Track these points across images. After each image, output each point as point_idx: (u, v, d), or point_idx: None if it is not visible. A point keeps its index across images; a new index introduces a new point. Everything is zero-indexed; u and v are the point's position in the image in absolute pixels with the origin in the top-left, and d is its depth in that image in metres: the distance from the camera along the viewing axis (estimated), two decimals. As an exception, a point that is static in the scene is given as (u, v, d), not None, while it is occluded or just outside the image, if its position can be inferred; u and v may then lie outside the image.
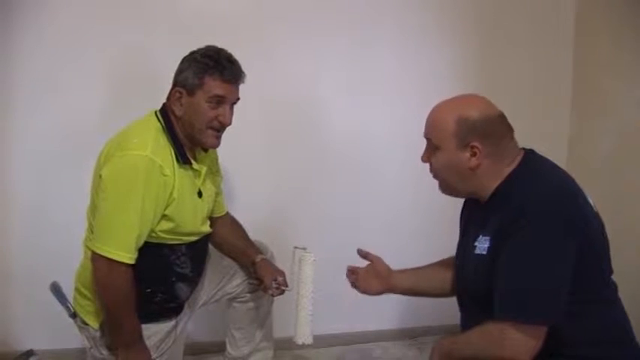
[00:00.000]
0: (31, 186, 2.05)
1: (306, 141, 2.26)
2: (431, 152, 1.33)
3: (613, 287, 1.30)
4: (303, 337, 1.57)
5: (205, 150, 1.63)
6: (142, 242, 1.47)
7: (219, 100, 1.52)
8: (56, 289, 1.61)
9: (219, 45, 1.57)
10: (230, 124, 1.56)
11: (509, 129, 1.30)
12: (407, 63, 2.32)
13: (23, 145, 2.03)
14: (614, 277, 1.30)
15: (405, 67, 2.32)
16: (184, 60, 1.55)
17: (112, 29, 2.03)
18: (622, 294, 1.30)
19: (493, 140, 1.26)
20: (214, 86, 1.51)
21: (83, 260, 1.59)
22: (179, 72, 1.55)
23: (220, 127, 1.55)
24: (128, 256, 1.43)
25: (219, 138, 1.58)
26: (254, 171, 2.21)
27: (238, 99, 1.59)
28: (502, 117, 1.30)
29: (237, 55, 1.57)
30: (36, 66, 2.00)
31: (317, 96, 2.25)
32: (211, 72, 1.51)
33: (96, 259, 1.44)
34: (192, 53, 1.55)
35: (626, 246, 1.90)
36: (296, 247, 1.63)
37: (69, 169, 2.02)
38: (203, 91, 1.51)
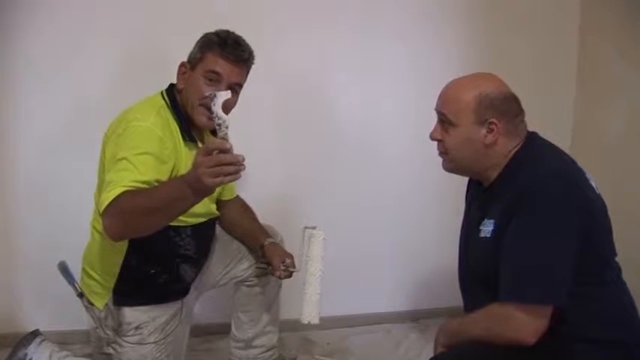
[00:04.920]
0: (39, 167, 2.05)
1: (316, 124, 2.26)
2: (444, 129, 1.32)
3: (617, 269, 1.30)
4: (310, 316, 1.56)
5: (214, 133, 1.62)
6: (160, 175, 1.36)
7: (215, 78, 1.50)
8: (64, 269, 1.62)
9: (229, 28, 1.56)
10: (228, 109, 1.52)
11: (522, 110, 1.31)
12: (410, 48, 2.31)
13: (31, 127, 2.02)
14: (620, 260, 1.30)
15: (407, 52, 2.31)
16: (198, 39, 1.56)
17: (120, 11, 2.01)
18: (628, 277, 1.30)
19: (509, 118, 1.27)
20: (212, 61, 1.50)
21: (90, 242, 1.60)
22: (192, 49, 1.56)
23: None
24: (111, 194, 1.26)
25: (211, 120, 1.48)
26: (264, 155, 2.19)
27: (240, 85, 1.55)
28: (516, 97, 1.31)
29: (246, 40, 1.55)
30: (42, 48, 1.98)
31: (326, 80, 2.25)
32: (213, 47, 1.50)
33: (104, 223, 1.30)
34: (206, 32, 1.55)
35: (632, 230, 1.90)
36: (306, 227, 1.62)
37: (76, 150, 2.02)
38: (202, 64, 1.51)
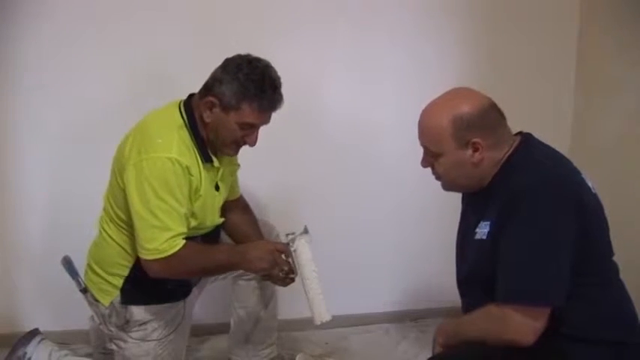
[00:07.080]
0: (40, 167, 2.05)
1: (315, 126, 2.25)
2: (432, 159, 1.31)
3: (614, 269, 1.30)
4: (321, 316, 1.57)
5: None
6: (188, 222, 1.49)
7: (250, 128, 1.50)
8: (68, 263, 1.63)
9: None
10: (254, 145, 1.54)
11: (502, 116, 1.29)
12: (409, 49, 2.30)
13: (33, 127, 2.02)
14: (619, 260, 1.30)
15: (407, 53, 2.30)
16: (227, 69, 1.48)
17: (124, 16, 2.01)
18: (627, 277, 1.30)
19: (491, 131, 1.25)
20: (250, 115, 1.47)
21: (98, 241, 1.61)
22: (218, 81, 1.47)
23: (244, 144, 1.55)
24: (175, 244, 1.43)
25: (238, 151, 1.58)
26: (263, 158, 2.14)
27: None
28: (493, 105, 1.28)
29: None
30: (46, 49, 1.99)
31: (320, 82, 2.24)
32: (251, 99, 1.45)
33: (148, 265, 1.46)
34: (237, 67, 1.47)
35: (632, 229, 1.90)
36: (287, 234, 1.62)
37: (79, 151, 2.03)
38: (237, 114, 1.47)
